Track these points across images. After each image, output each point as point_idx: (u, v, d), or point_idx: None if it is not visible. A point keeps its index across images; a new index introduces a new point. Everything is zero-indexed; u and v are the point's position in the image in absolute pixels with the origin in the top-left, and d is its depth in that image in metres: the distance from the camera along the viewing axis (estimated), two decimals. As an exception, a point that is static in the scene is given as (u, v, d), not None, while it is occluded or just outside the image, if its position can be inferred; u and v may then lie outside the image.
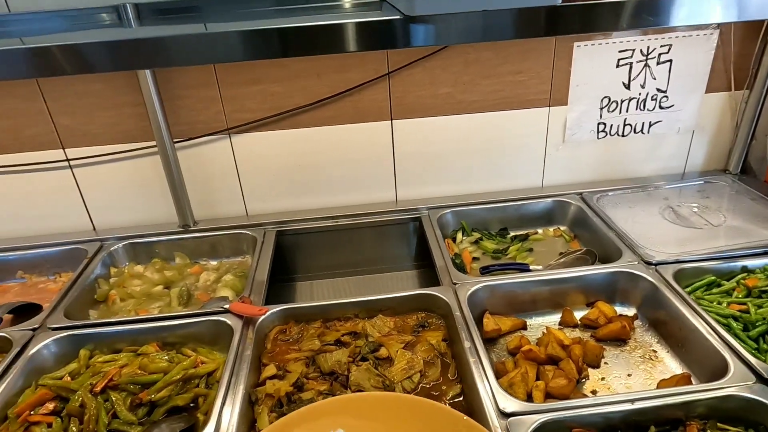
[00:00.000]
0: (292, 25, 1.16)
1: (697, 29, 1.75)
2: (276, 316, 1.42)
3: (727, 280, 1.46)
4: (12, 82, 1.67)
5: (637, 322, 1.44)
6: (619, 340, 1.39)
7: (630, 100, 1.86)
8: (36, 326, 1.42)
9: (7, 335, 1.38)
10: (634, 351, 1.36)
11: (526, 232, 1.89)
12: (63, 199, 1.85)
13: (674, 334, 1.34)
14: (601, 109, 1.86)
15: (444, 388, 1.23)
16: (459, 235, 1.86)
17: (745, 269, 1.47)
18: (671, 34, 1.75)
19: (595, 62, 1.78)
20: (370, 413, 1.06)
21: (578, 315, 1.48)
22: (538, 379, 1.25)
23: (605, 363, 1.33)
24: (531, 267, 1.68)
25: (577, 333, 1.44)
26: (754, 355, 1.19)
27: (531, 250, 1.80)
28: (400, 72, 1.75)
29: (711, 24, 1.73)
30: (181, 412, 1.24)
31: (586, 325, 1.45)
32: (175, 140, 1.76)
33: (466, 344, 1.26)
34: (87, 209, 1.89)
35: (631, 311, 1.48)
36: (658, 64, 1.80)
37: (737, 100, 1.88)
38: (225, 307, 1.43)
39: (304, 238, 1.90)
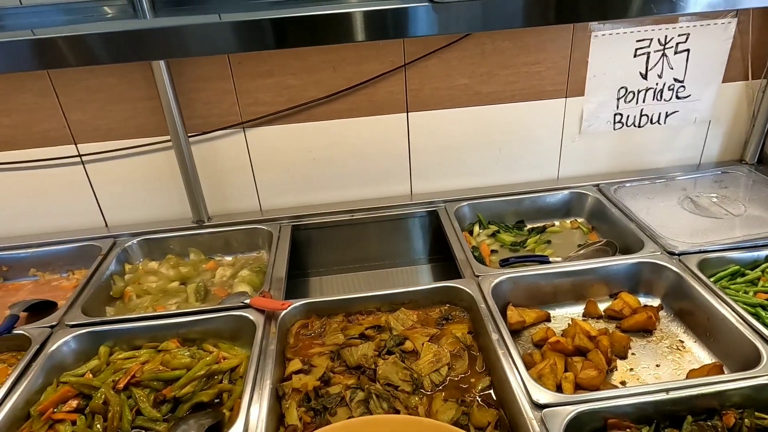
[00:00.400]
0: (307, 14, 1.15)
1: (715, 18, 1.73)
2: (298, 310, 1.41)
3: (751, 270, 1.45)
4: (23, 77, 1.64)
5: (661, 313, 1.43)
6: (645, 330, 1.38)
7: (647, 90, 1.84)
8: (54, 323, 1.39)
9: (25, 333, 1.36)
10: (660, 342, 1.35)
11: (543, 224, 1.88)
12: (75, 196, 1.83)
13: (701, 324, 1.33)
14: (618, 99, 1.85)
15: (473, 380, 1.22)
16: (476, 228, 1.84)
17: (769, 258, 1.46)
18: (689, 23, 1.74)
19: (613, 52, 1.76)
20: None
21: (602, 306, 1.46)
22: (566, 370, 1.24)
23: (632, 354, 1.32)
24: (551, 259, 1.66)
25: (601, 324, 1.43)
26: (785, 343, 1.18)
27: (549, 242, 1.79)
28: (417, 63, 1.73)
29: (729, 11, 1.72)
30: (206, 408, 1.22)
31: (611, 316, 1.43)
32: (189, 134, 1.74)
33: (494, 336, 1.24)
34: (99, 205, 1.86)
35: (655, 302, 1.47)
36: (675, 53, 1.79)
37: (754, 90, 1.87)
38: (246, 302, 1.41)
39: (319, 233, 1.88)
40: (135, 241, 1.77)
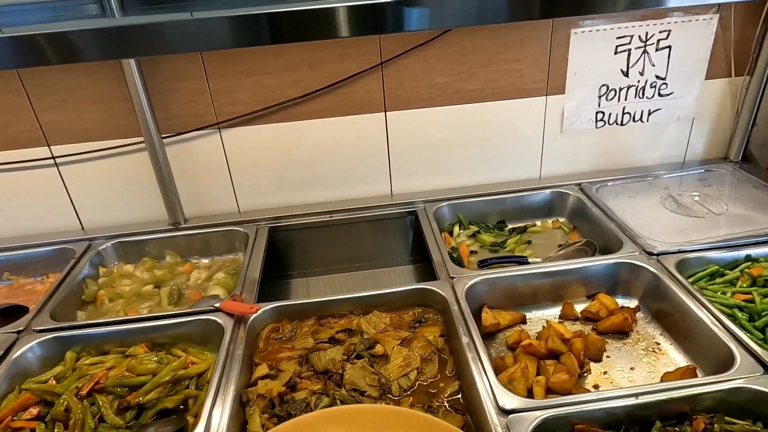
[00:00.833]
0: (285, 10, 1.12)
1: (696, 13, 1.71)
2: (268, 314, 1.38)
3: (731, 270, 1.42)
4: (-6, 78, 1.62)
5: (639, 314, 1.41)
6: (622, 332, 1.35)
7: (629, 87, 1.81)
8: (21, 329, 1.37)
9: (-10, 338, 1.34)
10: (636, 344, 1.32)
11: (524, 224, 1.85)
12: (50, 198, 1.80)
13: (678, 326, 1.31)
14: (600, 97, 1.82)
15: (442, 385, 1.19)
16: (456, 229, 1.82)
17: (749, 258, 1.44)
18: (670, 19, 1.71)
19: (593, 49, 1.74)
20: (360, 425, 1.02)
21: (579, 308, 1.44)
22: (538, 374, 1.21)
23: (607, 356, 1.29)
24: (530, 259, 1.64)
25: (578, 326, 1.41)
26: (760, 345, 1.15)
27: (529, 242, 1.76)
28: (395, 62, 1.71)
29: (711, 7, 1.69)
30: (171, 415, 1.20)
31: (587, 318, 1.41)
32: (163, 135, 1.72)
33: (464, 339, 1.22)
34: (75, 208, 1.84)
35: (633, 303, 1.44)
36: (657, 50, 1.76)
37: (738, 86, 1.84)
38: (216, 305, 1.39)
39: (298, 234, 1.86)
40: (109, 243, 1.75)
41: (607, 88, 1.81)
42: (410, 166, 1.89)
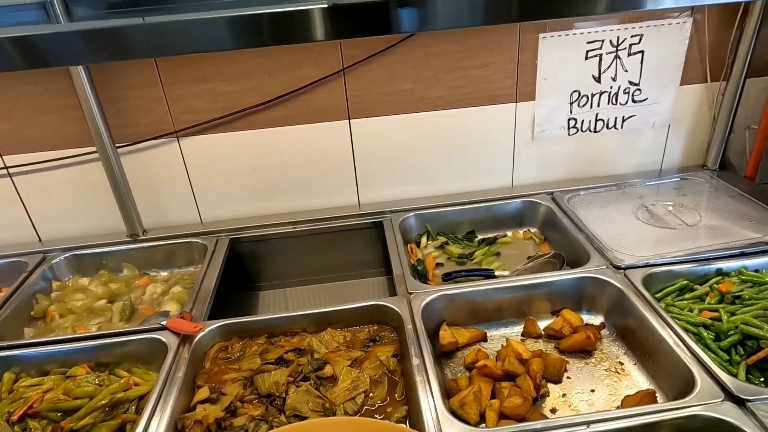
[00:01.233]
0: (249, 13, 1.06)
1: (669, 17, 1.65)
2: (216, 332, 1.33)
3: (701, 284, 1.36)
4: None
5: (604, 331, 1.35)
6: (584, 351, 1.29)
7: (601, 93, 1.76)
8: (-42, 348, 1.32)
9: (-76, 359, 1.28)
10: (599, 363, 1.26)
11: (494, 234, 1.79)
12: (4, 210, 1.75)
13: (642, 345, 1.25)
14: (571, 103, 1.77)
15: (389, 410, 1.13)
16: (424, 240, 1.76)
17: (720, 272, 1.38)
18: (642, 23, 1.65)
19: (563, 54, 1.68)
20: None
21: (543, 324, 1.38)
22: (493, 397, 1.15)
23: (568, 378, 1.23)
24: (497, 272, 1.58)
25: (540, 344, 1.35)
26: (724, 368, 1.10)
27: (498, 254, 1.70)
28: (357, 68, 1.65)
29: (685, 10, 1.64)
30: (107, 441, 1.14)
31: (550, 335, 1.35)
32: (119, 144, 1.66)
33: (415, 361, 1.16)
34: (31, 220, 1.79)
35: (598, 319, 1.38)
36: (629, 55, 1.70)
37: (714, 92, 1.78)
38: (162, 323, 1.33)
39: (262, 246, 1.80)
40: (63, 256, 1.69)
41: (579, 94, 1.75)
42: (377, 174, 1.83)
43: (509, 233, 1.80)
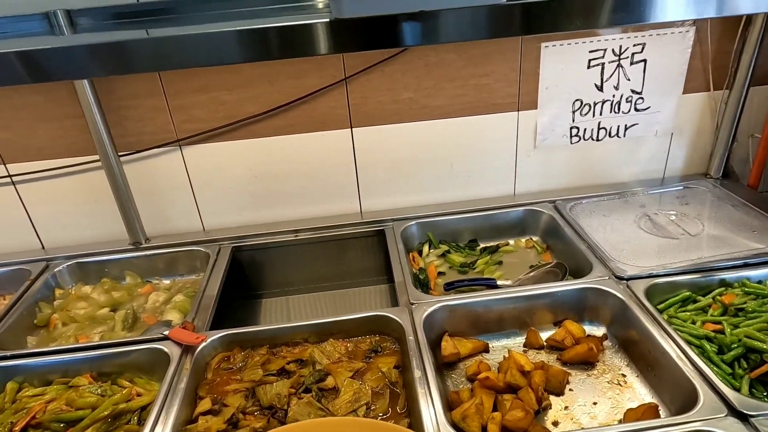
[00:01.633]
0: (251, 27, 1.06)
1: (672, 26, 1.65)
2: (218, 342, 1.33)
3: (704, 295, 1.36)
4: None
5: (606, 343, 1.35)
6: (587, 363, 1.29)
7: (603, 102, 1.76)
8: (-39, 357, 1.32)
9: (-73, 369, 1.29)
10: (602, 375, 1.26)
11: (496, 243, 1.79)
12: (8, 217, 1.76)
13: (644, 357, 1.24)
14: (573, 112, 1.77)
15: (391, 422, 1.13)
16: (425, 248, 1.76)
17: (723, 283, 1.37)
18: (645, 32, 1.65)
19: (565, 63, 1.68)
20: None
21: (545, 335, 1.38)
22: (495, 409, 1.15)
23: (570, 390, 1.23)
24: (499, 282, 1.57)
25: (542, 355, 1.34)
26: (727, 381, 1.09)
27: (500, 263, 1.70)
28: (358, 77, 1.65)
29: (687, 21, 1.63)
30: (109, 452, 1.14)
31: (553, 346, 1.35)
32: (121, 153, 1.67)
33: (417, 373, 1.16)
34: (34, 227, 1.79)
35: (600, 330, 1.38)
36: (631, 64, 1.70)
37: (717, 101, 1.78)
38: (165, 333, 1.33)
39: (264, 253, 1.80)
40: (66, 264, 1.70)
41: (581, 102, 1.75)
42: (379, 183, 1.83)
43: (511, 242, 1.80)
